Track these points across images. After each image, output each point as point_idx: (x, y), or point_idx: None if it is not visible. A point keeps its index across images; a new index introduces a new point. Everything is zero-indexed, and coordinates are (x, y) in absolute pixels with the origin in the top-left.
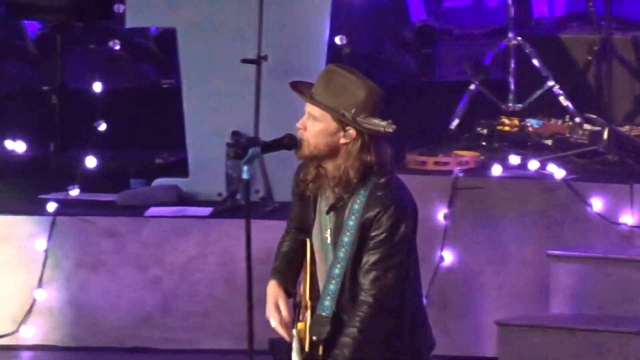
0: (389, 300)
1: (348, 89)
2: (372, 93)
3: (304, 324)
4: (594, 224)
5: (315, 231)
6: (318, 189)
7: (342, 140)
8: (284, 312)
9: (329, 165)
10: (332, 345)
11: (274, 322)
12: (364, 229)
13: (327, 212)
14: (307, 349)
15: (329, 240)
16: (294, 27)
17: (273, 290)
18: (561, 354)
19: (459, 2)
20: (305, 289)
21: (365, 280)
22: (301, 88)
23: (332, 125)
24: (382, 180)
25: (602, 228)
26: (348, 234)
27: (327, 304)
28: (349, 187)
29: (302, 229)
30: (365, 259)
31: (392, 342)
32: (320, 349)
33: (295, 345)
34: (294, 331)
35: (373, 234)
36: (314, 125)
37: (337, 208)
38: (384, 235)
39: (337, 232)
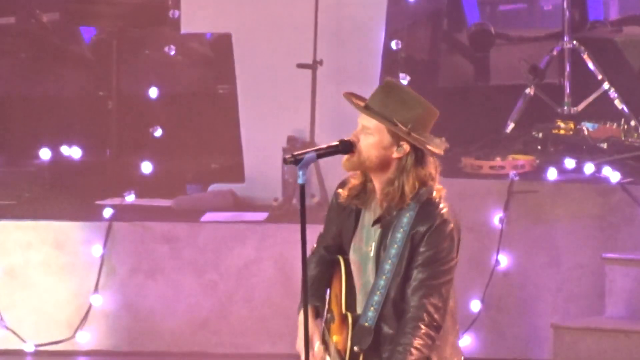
0: (438, 317)
1: (406, 103)
2: (429, 110)
3: (341, 336)
4: None
5: (354, 245)
6: (362, 204)
7: (395, 155)
8: (317, 348)
9: (379, 179)
10: (371, 355)
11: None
12: (414, 242)
13: (374, 225)
14: (347, 359)
15: (371, 254)
16: (349, 31)
17: (309, 323)
18: (617, 357)
19: (514, 5)
20: (341, 301)
21: (416, 297)
22: (356, 99)
23: (387, 138)
24: (434, 195)
25: None
26: (395, 246)
27: (371, 315)
28: (401, 202)
29: (332, 248)
30: (415, 275)
31: (433, 357)
32: (361, 358)
33: (331, 357)
34: (331, 343)
35: (423, 249)
36: (368, 138)
37: (384, 221)
38: (434, 252)
39: (382, 245)
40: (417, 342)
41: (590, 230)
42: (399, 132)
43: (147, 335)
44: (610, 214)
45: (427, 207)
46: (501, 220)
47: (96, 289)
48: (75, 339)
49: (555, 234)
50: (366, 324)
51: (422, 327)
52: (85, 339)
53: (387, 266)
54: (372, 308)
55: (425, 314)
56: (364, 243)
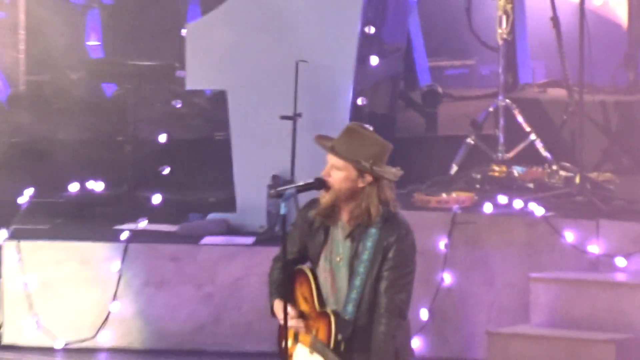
0: (405, 309)
1: (366, 143)
2: (383, 146)
3: (319, 329)
4: (567, 253)
5: (325, 256)
6: (331, 222)
7: (361, 184)
8: (291, 310)
9: (348, 205)
10: (349, 342)
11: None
12: (385, 250)
13: (345, 239)
14: (332, 346)
15: (341, 263)
16: (323, 89)
17: (280, 304)
18: (540, 358)
19: (458, 70)
20: (313, 302)
21: (388, 294)
22: (325, 142)
23: (353, 173)
24: (394, 212)
25: (574, 256)
26: (367, 252)
27: (350, 310)
28: (369, 221)
29: (296, 260)
30: (386, 276)
31: (398, 339)
32: (343, 346)
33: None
34: (310, 335)
35: (392, 255)
36: (337, 174)
37: (354, 235)
38: (402, 256)
39: (355, 253)
40: (393, 330)
41: (518, 254)
42: (361, 168)
43: (156, 336)
44: (535, 241)
45: (392, 221)
46: (446, 246)
47: (114, 298)
48: (96, 338)
49: (490, 258)
50: (347, 317)
51: (395, 318)
52: (105, 339)
53: (361, 269)
54: (351, 304)
55: (396, 308)
56: (334, 254)
